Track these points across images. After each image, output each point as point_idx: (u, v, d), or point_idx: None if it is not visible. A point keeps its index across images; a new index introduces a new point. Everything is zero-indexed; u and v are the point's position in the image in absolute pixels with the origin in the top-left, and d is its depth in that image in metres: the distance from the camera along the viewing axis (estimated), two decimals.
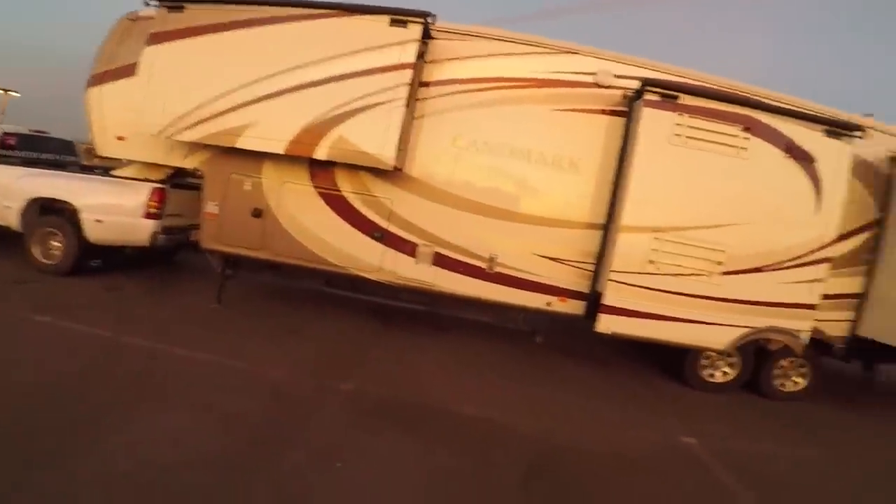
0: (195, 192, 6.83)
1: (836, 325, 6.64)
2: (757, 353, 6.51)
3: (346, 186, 6.20)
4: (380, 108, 5.74)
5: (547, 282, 6.19)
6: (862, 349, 6.75)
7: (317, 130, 5.79)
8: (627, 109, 6.06)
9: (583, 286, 6.18)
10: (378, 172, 6.03)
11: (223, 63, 5.96)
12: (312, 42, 5.84)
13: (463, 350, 6.58)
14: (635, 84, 5.91)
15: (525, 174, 6.15)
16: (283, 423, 4.02)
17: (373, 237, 6.18)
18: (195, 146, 6.41)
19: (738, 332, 5.96)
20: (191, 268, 8.70)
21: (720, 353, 6.28)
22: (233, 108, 5.93)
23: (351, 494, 3.28)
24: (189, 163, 6.65)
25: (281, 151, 5.85)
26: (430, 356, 6.10)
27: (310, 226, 6.23)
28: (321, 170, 6.21)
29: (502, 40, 6.20)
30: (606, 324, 5.84)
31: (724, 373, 6.57)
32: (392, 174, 6.04)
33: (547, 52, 6.18)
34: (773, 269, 5.86)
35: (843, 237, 6.46)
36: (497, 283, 6.20)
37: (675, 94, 5.76)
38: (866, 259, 6.65)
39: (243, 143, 5.94)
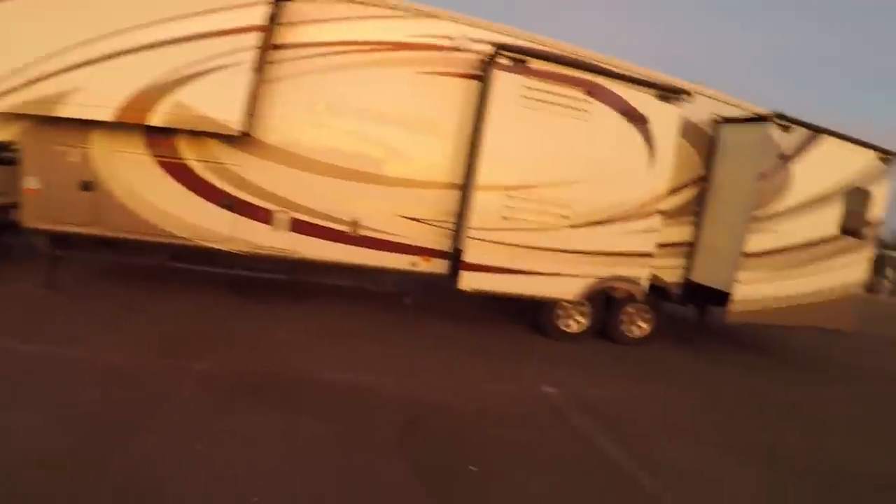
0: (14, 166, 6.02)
1: (672, 272, 7.34)
2: (606, 302, 7.01)
3: (190, 154, 5.77)
4: (224, 72, 5.38)
5: (411, 242, 6.23)
6: (696, 293, 7.51)
7: (152, 96, 5.30)
8: (483, 73, 6.17)
9: (445, 245, 6.28)
10: (226, 139, 5.67)
11: (42, 25, 5.26)
12: (147, 3, 5.33)
13: (329, 317, 6.46)
14: (490, 49, 6.03)
15: (385, 137, 6.10)
16: (130, 410, 3.66)
17: (222, 206, 5.83)
18: (9, 116, 5.63)
19: (586, 283, 6.39)
20: (19, 251, 7.73)
21: (572, 303, 6.68)
22: (53, 74, 5.26)
23: (211, 476, 3.07)
24: (3, 135, 5.84)
25: (109, 119, 5.30)
26: (293, 326, 5.91)
27: (149, 197, 5.74)
28: (161, 138, 5.71)
29: (361, 3, 6.05)
30: (468, 281, 6.00)
31: (578, 322, 7.01)
32: (242, 140, 5.71)
33: (407, 17, 6.12)
34: (614, 222, 6.33)
35: (674, 191, 7.13)
36: (361, 246, 6.13)
37: (525, 58, 5.95)
38: (695, 211, 7.38)
39: (64, 111, 5.30)
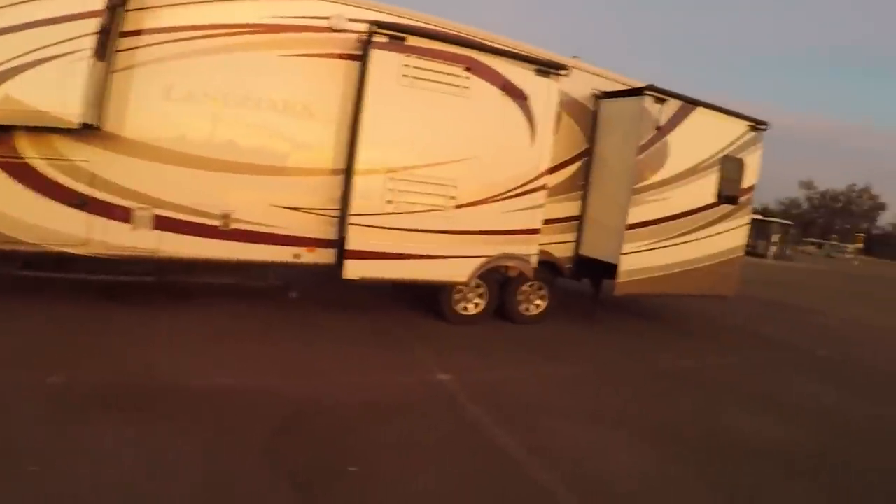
0: None
1: (562, 247, 7.44)
2: (503, 282, 7.01)
3: (31, 152, 5.17)
4: (58, 62, 4.81)
5: (292, 233, 5.92)
6: (588, 268, 7.66)
7: None
8: (362, 53, 5.93)
9: (330, 233, 6.02)
10: (72, 133, 5.12)
11: None
12: None
13: (204, 319, 6.03)
14: (367, 27, 5.79)
15: (255, 124, 5.72)
16: None
17: (73, 206, 5.28)
18: None
19: (476, 263, 6.34)
20: None
21: (464, 285, 6.62)
22: None
23: (42, 501, 2.72)
24: None
25: None
26: (163, 331, 5.46)
27: None
28: None
29: None
30: (353, 269, 5.78)
31: (476, 304, 6.97)
32: (91, 134, 5.18)
33: None
34: (499, 200, 6.30)
35: (560, 166, 7.21)
36: (235, 240, 5.76)
37: (403, 35, 5.75)
38: (581, 185, 7.51)
39: None
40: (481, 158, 6.16)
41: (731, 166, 7.76)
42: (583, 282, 8.23)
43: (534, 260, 6.69)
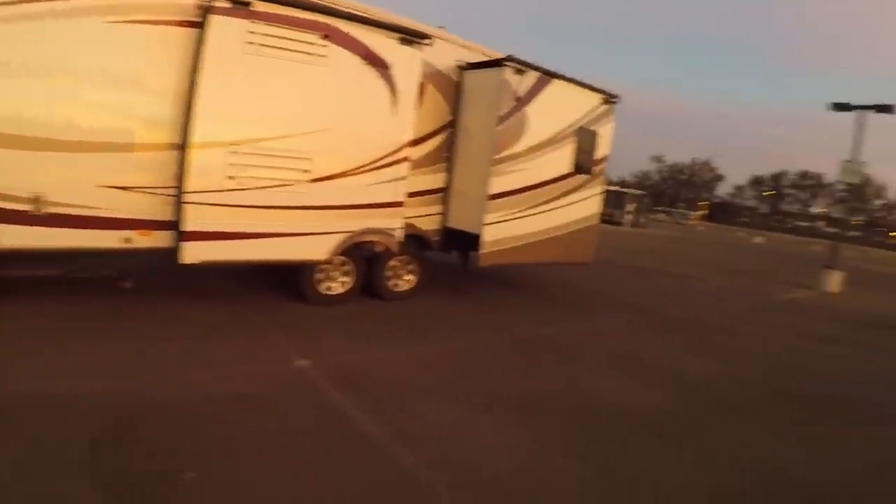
0: None
1: (429, 219, 7.30)
2: (369, 259, 6.73)
3: None
4: None
5: (121, 215, 5.18)
6: (455, 240, 7.59)
7: None
8: (202, 20, 5.25)
9: (167, 214, 5.35)
10: None
11: None
12: None
13: (20, 317, 5.17)
14: None
15: (75, 97, 4.89)
16: None
17: None
18: None
19: (336, 239, 6.00)
20: None
21: (325, 263, 6.25)
22: None
23: None
24: None
25: None
26: None
27: None
28: None
29: None
30: (193, 252, 5.20)
31: (342, 283, 6.63)
32: None
33: None
34: (359, 173, 5.99)
35: (424, 138, 7.03)
36: (51, 226, 4.92)
37: (247, 0, 5.18)
38: (446, 157, 7.38)
39: None
40: (339, 130, 5.79)
41: (585, 138, 8.01)
42: (452, 254, 8.17)
43: (399, 234, 6.47)
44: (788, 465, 4.06)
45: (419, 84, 6.47)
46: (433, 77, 7.04)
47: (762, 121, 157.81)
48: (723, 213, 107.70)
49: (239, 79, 5.25)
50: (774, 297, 13.00)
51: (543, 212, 7.60)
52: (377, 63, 6.00)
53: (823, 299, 13.53)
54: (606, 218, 35.56)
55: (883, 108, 14.42)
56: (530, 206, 7.42)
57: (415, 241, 7.18)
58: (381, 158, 6.11)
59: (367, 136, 6.02)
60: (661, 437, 4.24)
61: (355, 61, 5.85)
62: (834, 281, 15.14)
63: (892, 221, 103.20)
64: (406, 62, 6.19)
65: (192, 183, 5.09)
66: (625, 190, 41.48)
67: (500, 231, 7.08)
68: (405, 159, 6.30)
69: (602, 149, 8.35)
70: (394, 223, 6.38)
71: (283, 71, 5.45)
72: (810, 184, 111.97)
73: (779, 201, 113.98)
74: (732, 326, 8.71)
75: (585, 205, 8.24)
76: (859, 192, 15.25)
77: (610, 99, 8.31)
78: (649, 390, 5.22)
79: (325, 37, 5.62)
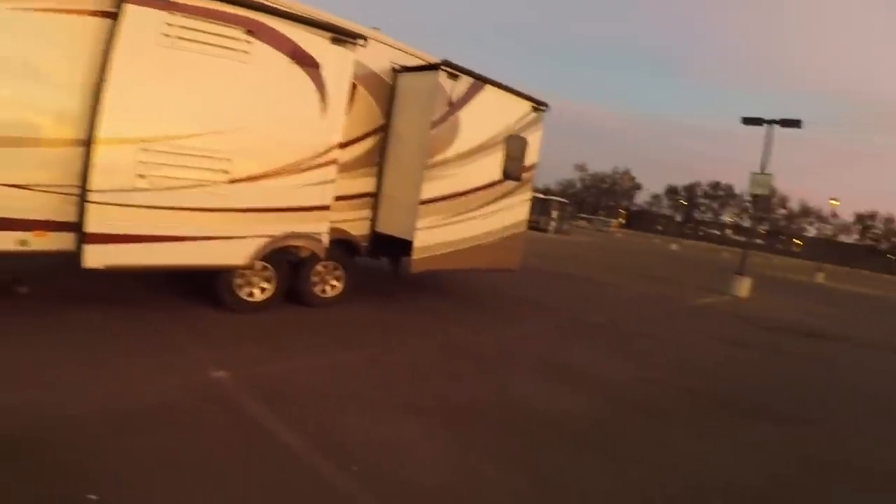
0: None
1: (358, 224, 7.09)
2: (294, 263, 6.44)
3: None
4: None
5: (14, 215, 4.66)
6: (386, 245, 7.41)
7: None
8: (116, 9, 4.82)
9: (68, 214, 4.87)
10: None
11: None
12: None
13: None
14: None
15: None
16: None
17: None
18: None
19: (257, 244, 5.68)
20: None
21: (245, 268, 5.92)
22: None
23: None
24: None
25: None
26: None
27: None
28: None
29: None
30: (96, 256, 4.76)
31: (263, 289, 6.30)
32: None
33: None
34: (283, 174, 5.71)
35: (355, 141, 6.83)
36: None
37: None
38: (377, 161, 7.20)
39: None
40: (261, 129, 5.49)
41: (515, 144, 8.04)
42: (382, 260, 7.99)
43: (325, 238, 6.22)
44: (715, 468, 4.16)
45: (350, 85, 6.28)
46: (365, 79, 6.86)
47: (679, 133, 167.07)
48: (640, 220, 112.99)
49: (153, 73, 4.86)
50: (690, 302, 13.62)
51: (474, 218, 7.56)
52: (306, 62, 5.75)
53: (734, 304, 14.31)
54: (532, 225, 36.30)
55: (789, 123, 15.47)
56: (461, 212, 7.36)
57: (342, 246, 6.96)
58: (308, 160, 5.85)
59: (292, 136, 5.75)
60: (590, 443, 4.25)
61: (282, 59, 5.58)
62: (744, 286, 16.07)
63: (794, 230, 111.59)
64: (337, 62, 5.98)
65: (96, 181, 4.64)
66: (550, 198, 42.59)
67: (432, 237, 6.97)
68: (333, 162, 6.07)
69: (531, 156, 8.42)
70: (320, 227, 6.13)
71: (201, 66, 5.10)
72: (721, 194, 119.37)
73: (692, 210, 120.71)
74: (652, 331, 9.00)
75: (514, 212, 8.28)
76: (765, 202, 16.51)
77: (539, 106, 8.40)
78: (577, 396, 5.25)
79: (250, 32, 5.32)
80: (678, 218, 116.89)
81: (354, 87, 6.60)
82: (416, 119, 6.99)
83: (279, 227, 5.79)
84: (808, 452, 4.74)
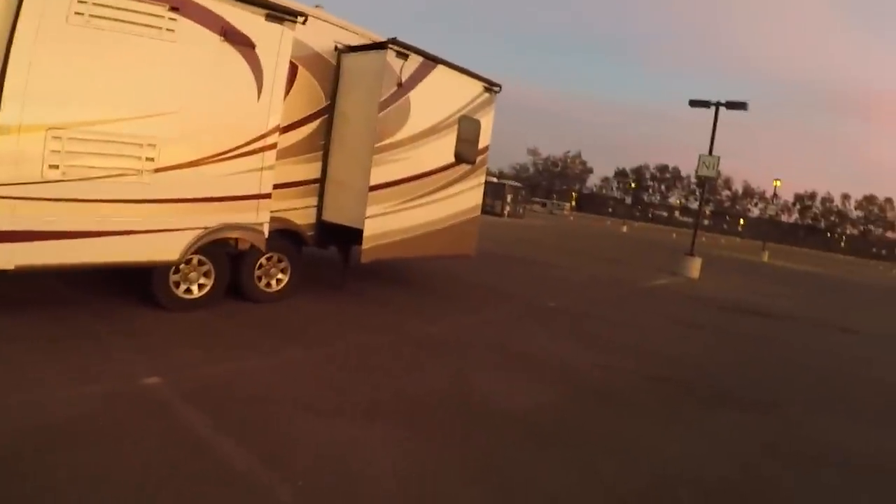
0: None
1: (303, 213, 6.70)
2: (235, 256, 6.02)
3: None
4: None
5: None
6: (335, 234, 7.04)
7: None
8: None
9: None
10: None
11: None
12: None
13: None
14: None
15: None
16: None
17: None
18: None
19: (189, 237, 5.23)
20: None
21: (175, 265, 5.45)
22: None
23: None
24: None
25: None
26: None
27: None
28: None
29: None
30: (5, 256, 4.24)
31: (201, 285, 5.86)
32: None
33: None
34: (216, 161, 5.27)
35: (297, 124, 6.43)
36: None
37: None
38: (323, 145, 6.80)
39: None
40: (190, 113, 5.04)
41: (468, 126, 7.77)
42: (331, 250, 7.61)
43: (265, 229, 5.81)
44: (683, 459, 4.03)
45: (290, 66, 5.88)
46: (307, 59, 6.46)
47: (628, 117, 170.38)
48: (591, 203, 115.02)
49: (64, 53, 4.35)
50: (643, 284, 13.72)
51: (426, 203, 7.26)
52: (239, 40, 5.31)
53: (687, 285, 14.52)
54: (487, 209, 36.39)
55: (735, 105, 15.74)
56: (413, 197, 7.05)
57: (287, 236, 6.56)
58: (243, 146, 5.43)
59: (225, 121, 5.31)
60: (554, 438, 4.06)
61: (211, 38, 5.13)
62: (695, 267, 16.34)
63: (738, 211, 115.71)
64: (274, 41, 5.57)
65: (1, 174, 4.13)
66: (504, 182, 42.72)
67: (383, 224, 6.64)
68: (272, 147, 5.65)
69: (484, 138, 8.17)
70: (260, 217, 5.71)
71: (120, 46, 4.61)
72: (668, 177, 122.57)
73: (641, 193, 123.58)
74: (609, 315, 8.94)
75: (468, 196, 8.02)
76: (712, 183, 16.88)
77: (492, 87, 8.13)
78: (539, 387, 5.06)
79: (174, 9, 4.85)
80: (627, 200, 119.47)
81: (295, 67, 6.21)
82: (363, 101, 6.62)
83: (213, 218, 5.35)
84: (773, 440, 4.66)
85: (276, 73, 5.63)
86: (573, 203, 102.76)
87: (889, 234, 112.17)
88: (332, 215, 6.81)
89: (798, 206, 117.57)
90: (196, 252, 5.51)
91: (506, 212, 37.17)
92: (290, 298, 6.65)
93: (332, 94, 6.85)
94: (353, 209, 6.51)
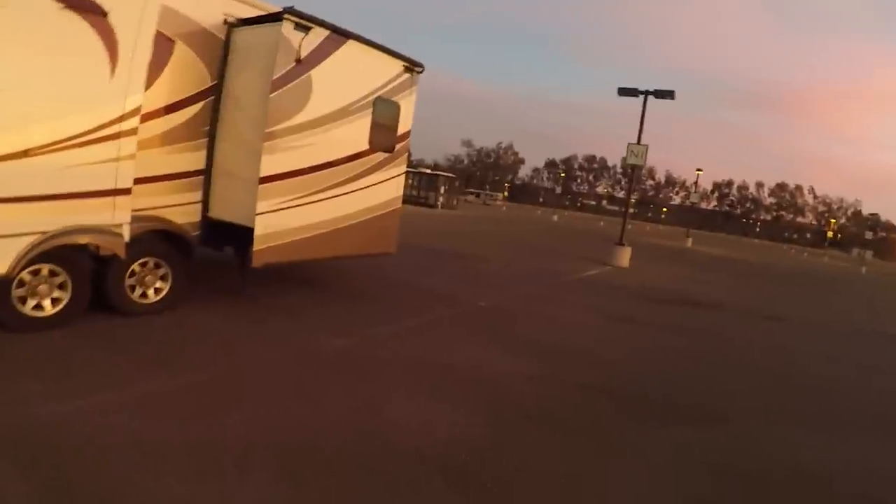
0: None
1: (183, 210, 5.68)
2: (100, 264, 4.96)
3: None
4: None
5: None
6: (226, 233, 6.05)
7: None
8: None
9: None
10: None
11: None
12: None
13: None
14: None
15: None
16: None
17: None
18: None
19: (18, 246, 4.14)
20: None
21: (5, 278, 4.33)
22: None
23: None
24: None
25: None
26: None
27: None
28: None
29: None
30: None
31: (56, 299, 4.76)
32: None
33: None
34: (54, 150, 4.21)
35: (174, 107, 5.42)
36: None
37: None
38: (208, 131, 5.80)
39: None
40: (19, 93, 4.00)
41: (385, 110, 6.93)
42: (227, 250, 6.61)
43: (125, 231, 4.78)
44: (626, 494, 3.41)
45: (164, 40, 4.92)
46: (188, 34, 5.46)
47: (557, 109, 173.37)
48: (523, 193, 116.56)
49: None
50: (575, 275, 13.35)
51: (335, 197, 6.37)
52: (85, 7, 4.27)
53: (618, 275, 14.29)
54: (420, 200, 35.73)
55: (662, 94, 15.67)
56: (318, 190, 6.14)
57: (165, 237, 5.54)
58: (92, 132, 4.38)
59: (65, 102, 4.27)
60: (474, 482, 3.33)
61: (49, 5, 4.07)
62: (624, 256, 16.21)
63: (661, 199, 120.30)
64: (133, 10, 4.58)
65: None
66: (437, 173, 42.31)
67: (280, 221, 5.70)
68: (131, 133, 4.61)
69: (404, 123, 7.35)
70: (116, 217, 4.67)
71: None
72: (595, 167, 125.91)
73: (570, 182, 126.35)
74: (540, 312, 8.39)
75: (386, 187, 7.18)
76: (639, 172, 17.00)
77: (413, 67, 7.31)
78: (461, 414, 4.30)
79: None
80: (558, 190, 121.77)
81: (171, 42, 5.21)
82: (255, 80, 5.67)
83: (52, 220, 4.28)
84: (721, 461, 4.13)
85: (136, 46, 4.61)
86: (506, 193, 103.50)
87: (799, 219, 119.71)
88: (219, 212, 5.80)
89: (717, 195, 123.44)
90: (42, 261, 4.43)
91: (439, 203, 36.61)
92: (173, 310, 5.63)
93: (221, 74, 5.85)
94: (243, 204, 5.53)
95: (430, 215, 28.00)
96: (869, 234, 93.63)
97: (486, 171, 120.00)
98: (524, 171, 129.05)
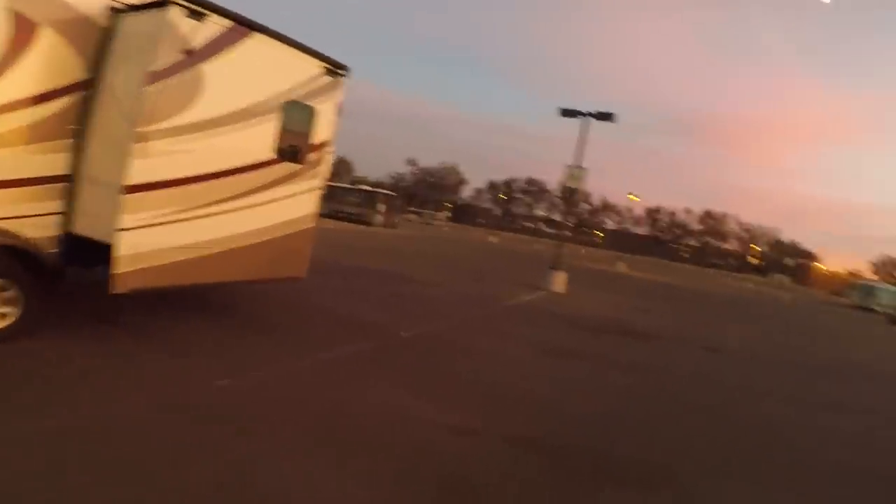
0: None
1: (38, 221, 4.67)
2: None
3: None
4: None
5: None
6: (100, 251, 5.03)
7: None
8: None
9: None
10: None
11: None
12: None
13: None
14: None
15: None
16: None
17: None
18: None
19: None
20: None
21: None
22: None
23: None
24: None
25: None
26: None
27: None
28: None
29: None
30: None
31: None
32: None
33: None
34: None
35: (32, 101, 4.49)
36: None
37: None
38: (73, 130, 4.83)
39: None
40: None
41: (297, 115, 6.12)
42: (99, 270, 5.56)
43: None
44: None
45: (19, 22, 4.20)
46: (58, 18, 4.58)
47: (500, 132, 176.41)
48: (465, 214, 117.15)
49: None
50: (510, 301, 12.80)
51: (230, 212, 5.46)
52: None
53: (552, 301, 13.85)
54: (358, 218, 34.72)
55: (603, 116, 15.61)
56: (208, 203, 5.22)
57: (13, 255, 4.51)
58: None
59: None
60: None
61: None
62: (560, 281, 15.85)
63: (596, 223, 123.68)
64: None
65: None
66: (377, 190, 41.70)
67: (151, 239, 4.75)
68: None
69: (322, 131, 6.56)
70: None
71: None
72: (535, 190, 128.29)
73: (510, 204, 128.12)
74: (470, 345, 7.69)
75: (296, 203, 6.31)
76: (576, 195, 16.91)
77: (336, 70, 6.54)
78: (363, 488, 3.48)
79: None
80: (498, 212, 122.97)
81: (32, 26, 4.34)
82: (133, 72, 4.77)
83: None
84: None
85: None
86: (448, 213, 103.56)
87: (724, 245, 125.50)
88: (82, 226, 4.80)
89: (650, 220, 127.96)
90: None
91: (378, 221, 35.83)
92: (23, 341, 4.57)
93: (101, 66, 4.93)
94: (104, 216, 4.58)
95: (368, 233, 27.09)
96: (789, 261, 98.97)
97: (428, 191, 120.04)
98: (467, 192, 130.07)
